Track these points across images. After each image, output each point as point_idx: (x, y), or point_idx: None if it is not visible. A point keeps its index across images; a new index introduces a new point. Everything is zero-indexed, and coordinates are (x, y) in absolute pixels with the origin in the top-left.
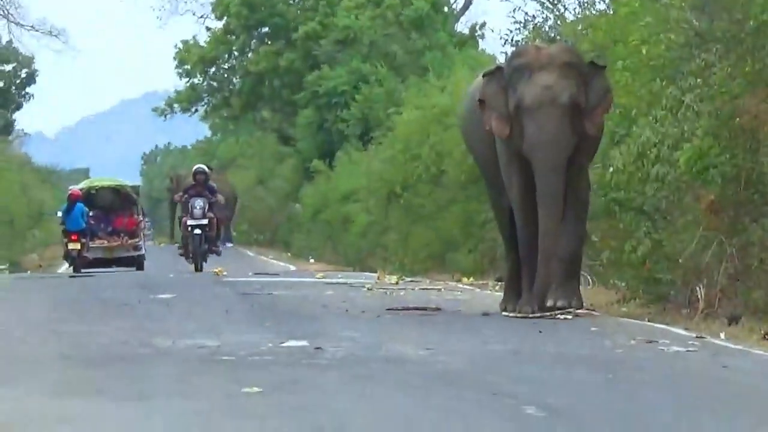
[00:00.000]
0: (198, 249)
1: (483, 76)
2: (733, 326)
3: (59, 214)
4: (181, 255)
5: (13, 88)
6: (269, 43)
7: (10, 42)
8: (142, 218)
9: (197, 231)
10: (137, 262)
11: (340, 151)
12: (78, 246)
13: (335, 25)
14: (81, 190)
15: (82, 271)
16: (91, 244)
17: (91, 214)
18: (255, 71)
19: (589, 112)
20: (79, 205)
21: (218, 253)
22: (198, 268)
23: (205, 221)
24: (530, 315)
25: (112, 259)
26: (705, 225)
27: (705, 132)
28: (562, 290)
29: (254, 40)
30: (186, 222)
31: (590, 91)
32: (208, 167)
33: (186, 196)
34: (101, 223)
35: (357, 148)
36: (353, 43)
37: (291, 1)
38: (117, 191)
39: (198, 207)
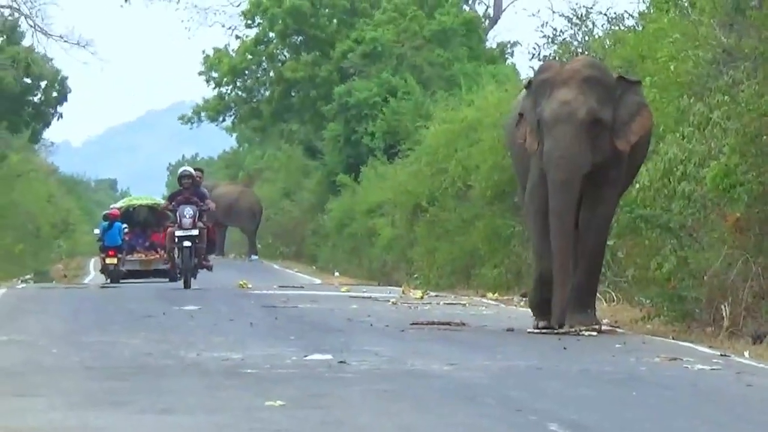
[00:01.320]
0: (188, 263)
1: (525, 88)
2: (758, 345)
3: (97, 231)
4: (169, 269)
5: (47, 106)
6: (302, 54)
7: (45, 57)
8: None
9: (186, 243)
10: (171, 274)
11: (366, 165)
12: (115, 261)
13: (362, 39)
14: (120, 208)
15: (120, 281)
16: (129, 258)
17: (126, 230)
18: (290, 78)
19: (620, 128)
20: (117, 223)
21: (209, 268)
22: (187, 285)
23: (195, 232)
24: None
25: (149, 271)
26: (730, 243)
27: (732, 149)
28: (579, 316)
29: (287, 49)
30: (173, 233)
31: (621, 107)
32: (196, 169)
33: (173, 204)
34: (139, 239)
35: (383, 161)
36: (380, 56)
37: (331, 15)
38: (153, 209)
39: (187, 216)
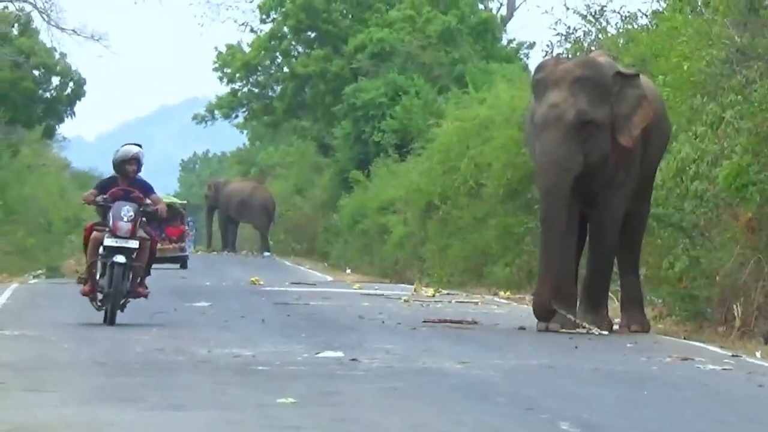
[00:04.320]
0: (118, 287)
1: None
2: None
3: None
4: (85, 293)
5: (59, 104)
6: (316, 48)
7: (63, 55)
8: (186, 228)
9: (119, 258)
10: (182, 260)
11: (378, 162)
12: None
13: (370, 40)
14: None
15: None
16: None
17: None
18: (302, 73)
19: (622, 123)
20: None
21: (146, 296)
22: (111, 320)
23: (133, 243)
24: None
25: (164, 258)
26: (743, 243)
27: (744, 149)
28: (590, 315)
29: (301, 44)
30: (98, 239)
31: (621, 102)
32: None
33: (103, 197)
34: (156, 231)
35: (394, 159)
36: (389, 55)
37: (345, 12)
38: (169, 206)
39: (125, 218)
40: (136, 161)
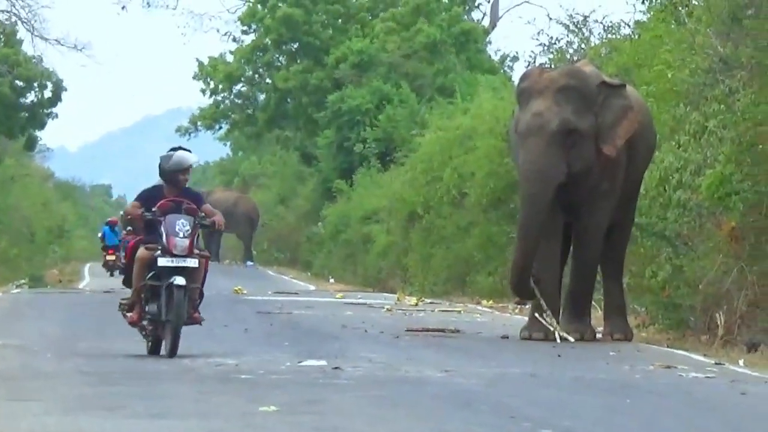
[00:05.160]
0: (180, 314)
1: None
2: (753, 353)
3: (99, 235)
4: (133, 321)
5: (41, 108)
6: (298, 61)
7: (39, 59)
8: None
9: (179, 280)
10: None
11: (361, 171)
12: (113, 258)
13: (351, 50)
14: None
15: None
16: None
17: (130, 229)
18: (283, 88)
19: (606, 133)
20: (116, 228)
21: (200, 322)
22: (171, 351)
23: (192, 262)
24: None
25: None
26: (726, 252)
27: (727, 158)
28: (575, 324)
29: (283, 56)
30: (147, 258)
31: (605, 112)
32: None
33: (151, 212)
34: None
35: (378, 168)
36: (370, 65)
37: (325, 22)
38: None
39: (181, 233)
40: (184, 171)
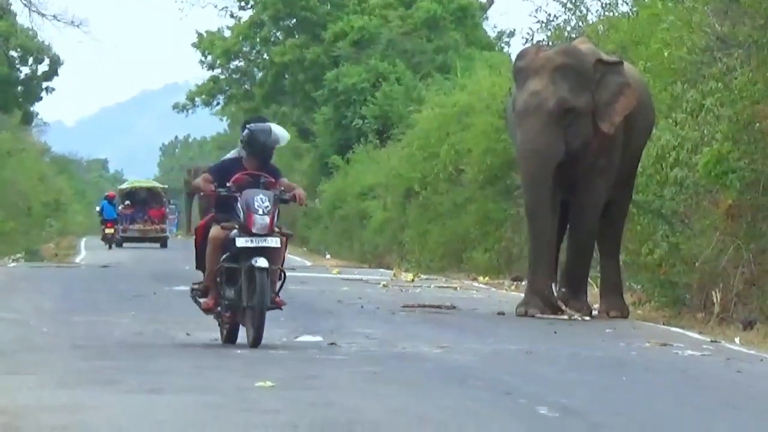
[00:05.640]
0: (264, 298)
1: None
2: (748, 331)
3: (98, 209)
4: (209, 307)
5: (35, 81)
6: (296, 36)
7: (34, 33)
8: (167, 210)
9: (261, 262)
10: (162, 240)
11: (358, 147)
12: (112, 231)
13: (351, 27)
14: (123, 189)
15: (123, 245)
16: (130, 227)
17: (129, 205)
18: (280, 62)
19: (603, 110)
20: (114, 202)
21: (281, 306)
22: (254, 341)
23: (274, 241)
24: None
25: (146, 238)
26: (722, 229)
27: (724, 136)
28: (571, 302)
29: (280, 32)
30: (221, 238)
31: (602, 89)
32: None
33: (228, 186)
34: (139, 213)
35: (374, 145)
36: (370, 42)
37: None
38: (150, 190)
39: (261, 210)
40: (269, 143)
